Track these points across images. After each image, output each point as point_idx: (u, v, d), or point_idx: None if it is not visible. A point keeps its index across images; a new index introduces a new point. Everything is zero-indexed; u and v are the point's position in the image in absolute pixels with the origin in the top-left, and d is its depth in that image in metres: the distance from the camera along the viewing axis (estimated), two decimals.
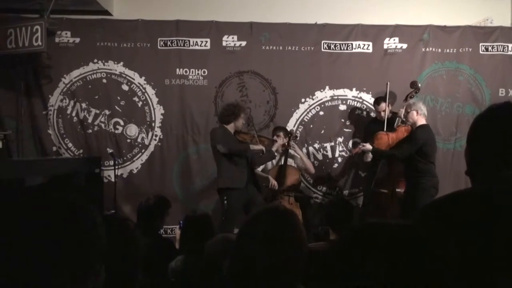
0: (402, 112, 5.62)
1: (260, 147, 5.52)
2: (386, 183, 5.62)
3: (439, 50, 6.50)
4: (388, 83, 5.90)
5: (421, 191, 4.96)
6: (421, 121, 5.16)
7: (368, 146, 5.35)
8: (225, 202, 5.32)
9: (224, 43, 6.41)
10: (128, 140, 6.42)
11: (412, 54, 6.48)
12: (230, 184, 5.31)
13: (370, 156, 5.70)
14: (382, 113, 5.89)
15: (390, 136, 5.47)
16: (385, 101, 5.88)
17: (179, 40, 6.37)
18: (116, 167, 6.02)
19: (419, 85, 5.94)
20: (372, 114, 6.37)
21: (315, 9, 6.52)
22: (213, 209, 6.29)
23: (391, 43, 6.48)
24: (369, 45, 6.48)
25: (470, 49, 6.49)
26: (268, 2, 6.53)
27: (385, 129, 5.69)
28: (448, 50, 6.51)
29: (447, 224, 1.47)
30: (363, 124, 6.41)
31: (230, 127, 5.34)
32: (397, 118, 5.64)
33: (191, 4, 6.46)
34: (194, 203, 6.32)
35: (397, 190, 5.51)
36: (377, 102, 6.02)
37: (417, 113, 5.13)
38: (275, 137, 5.79)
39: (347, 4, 6.55)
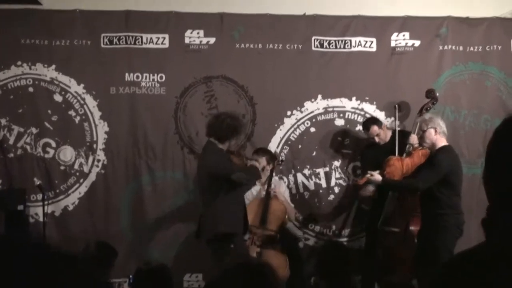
0: (414, 138, 5.63)
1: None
2: (397, 220, 5.61)
3: (461, 49, 6.53)
4: (397, 106, 6.04)
5: (443, 230, 4.93)
6: (441, 141, 5.09)
7: (377, 176, 5.30)
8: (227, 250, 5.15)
9: (187, 40, 6.37)
10: (62, 167, 6.33)
11: (426, 54, 6.50)
12: (235, 227, 5.20)
13: (370, 190, 5.68)
14: (377, 138, 5.99)
15: (405, 162, 5.46)
16: (381, 127, 5.99)
17: (128, 36, 6.32)
18: (46, 202, 5.89)
19: (437, 94, 5.97)
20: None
21: None
22: (174, 256, 6.22)
23: (400, 39, 6.50)
24: (372, 42, 6.49)
25: (500, 47, 6.54)
26: None
27: (396, 154, 5.70)
28: (471, 48, 6.54)
29: None
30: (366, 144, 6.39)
31: (224, 146, 5.28)
32: (408, 145, 5.64)
33: None
34: (149, 250, 6.23)
35: (411, 228, 5.50)
36: (366, 126, 6.09)
37: (436, 131, 5.06)
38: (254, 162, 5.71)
39: None
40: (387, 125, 6.19)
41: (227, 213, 5.15)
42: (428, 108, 5.91)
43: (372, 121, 6.08)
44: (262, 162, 5.82)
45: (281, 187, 6.17)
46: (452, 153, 5.12)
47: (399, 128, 6.15)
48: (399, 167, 5.47)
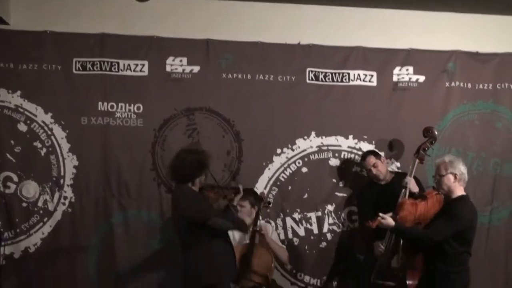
0: (410, 180, 5.60)
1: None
2: (392, 273, 5.53)
3: (469, 86, 6.55)
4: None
5: None
6: (460, 190, 4.97)
7: (390, 220, 5.09)
8: None
9: (168, 68, 6.37)
10: (24, 204, 6.24)
11: (431, 90, 6.52)
12: (222, 275, 5.06)
13: (381, 247, 5.60)
14: (374, 170, 5.98)
15: (418, 208, 5.24)
16: (379, 158, 6.02)
17: (104, 61, 6.29)
18: (4, 243, 5.86)
19: (436, 132, 5.95)
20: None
21: (299, 24, 6.51)
22: None
23: (403, 74, 6.51)
24: (372, 76, 6.50)
25: None
26: (231, 13, 6.49)
27: (406, 196, 5.56)
28: (481, 86, 6.57)
29: None
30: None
31: (195, 186, 5.18)
32: (403, 190, 5.59)
33: (122, 11, 6.36)
34: None
35: (409, 282, 5.41)
36: (363, 156, 6.15)
37: (455, 177, 4.95)
38: (238, 207, 5.63)
39: (343, 18, 6.55)
40: (388, 164, 6.15)
41: (210, 261, 5.01)
42: (426, 148, 5.88)
43: (370, 151, 6.13)
44: (245, 205, 5.77)
45: (268, 231, 6.08)
46: (471, 205, 5.01)
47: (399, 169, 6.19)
48: (413, 212, 5.23)
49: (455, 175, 4.93)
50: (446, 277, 4.87)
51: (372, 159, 6.01)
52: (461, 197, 4.95)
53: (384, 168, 6.04)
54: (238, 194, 5.51)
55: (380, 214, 5.22)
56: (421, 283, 5.18)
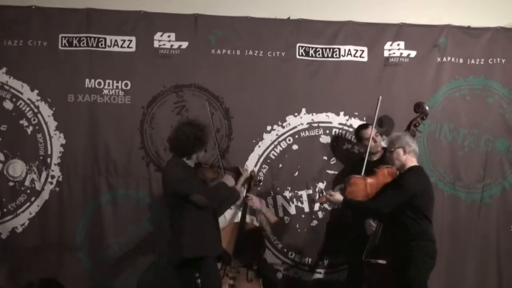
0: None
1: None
2: (384, 251, 5.46)
3: (461, 61, 6.54)
4: (380, 98, 5.87)
5: (412, 261, 4.92)
6: (411, 161, 5.16)
7: (338, 196, 5.26)
8: (199, 282, 5.10)
9: (156, 44, 6.33)
10: (11, 184, 6.22)
11: (423, 66, 6.50)
12: (204, 250, 5.02)
13: (373, 225, 5.63)
14: (372, 142, 5.89)
15: (368, 182, 5.37)
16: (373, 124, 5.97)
17: (90, 37, 6.25)
18: None
19: (427, 108, 5.94)
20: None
21: None
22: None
23: (394, 49, 6.49)
24: (363, 51, 6.48)
25: (503, 60, 6.56)
26: None
27: (362, 172, 5.59)
28: (473, 61, 6.55)
29: None
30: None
31: (191, 161, 5.18)
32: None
33: None
34: (108, 279, 6.14)
35: None
36: (363, 126, 6.09)
37: (404, 151, 5.13)
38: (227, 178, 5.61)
39: None
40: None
41: (194, 234, 4.99)
42: (417, 124, 5.90)
43: (368, 124, 6.07)
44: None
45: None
46: (420, 174, 5.17)
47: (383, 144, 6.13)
48: (362, 187, 5.38)
49: (403, 149, 5.15)
50: (406, 246, 4.99)
51: (372, 132, 5.94)
52: (411, 167, 5.16)
53: (380, 145, 6.01)
54: (239, 176, 5.51)
55: (327, 192, 5.35)
56: (391, 258, 5.24)
